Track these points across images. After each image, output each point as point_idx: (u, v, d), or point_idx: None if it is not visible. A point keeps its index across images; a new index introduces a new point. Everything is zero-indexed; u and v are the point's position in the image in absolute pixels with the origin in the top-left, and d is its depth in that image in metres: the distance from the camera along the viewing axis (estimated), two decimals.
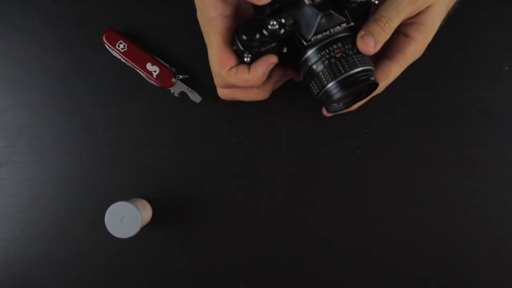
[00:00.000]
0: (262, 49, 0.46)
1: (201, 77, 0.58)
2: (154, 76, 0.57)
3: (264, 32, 0.45)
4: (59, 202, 0.59)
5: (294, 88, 0.55)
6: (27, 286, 0.60)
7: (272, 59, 0.47)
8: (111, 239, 0.54)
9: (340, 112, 0.51)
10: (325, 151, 0.58)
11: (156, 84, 0.57)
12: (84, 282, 0.60)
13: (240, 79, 0.47)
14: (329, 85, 0.45)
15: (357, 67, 0.45)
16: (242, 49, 0.45)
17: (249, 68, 0.46)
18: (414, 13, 0.47)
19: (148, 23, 0.58)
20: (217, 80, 0.49)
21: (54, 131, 0.59)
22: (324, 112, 0.52)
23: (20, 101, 0.60)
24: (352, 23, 0.46)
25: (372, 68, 0.46)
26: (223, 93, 0.52)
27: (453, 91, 0.58)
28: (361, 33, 0.46)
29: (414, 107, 0.58)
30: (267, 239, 0.59)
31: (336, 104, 0.49)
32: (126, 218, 0.53)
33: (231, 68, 0.47)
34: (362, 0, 0.45)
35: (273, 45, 0.46)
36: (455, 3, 0.51)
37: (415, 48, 0.48)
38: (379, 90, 0.50)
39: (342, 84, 0.45)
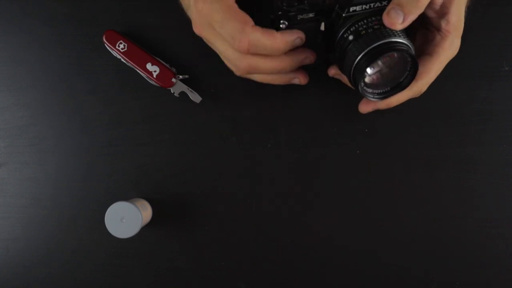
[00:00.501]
0: (299, 17, 0.44)
1: (201, 77, 0.58)
2: (154, 76, 0.57)
3: (305, 0, 0.43)
4: (59, 201, 0.59)
5: (294, 88, 0.55)
6: (27, 285, 0.60)
7: (301, 35, 0.45)
8: (111, 239, 0.54)
9: (377, 105, 0.49)
10: (325, 151, 0.58)
11: (156, 84, 0.57)
12: (84, 281, 0.60)
13: (267, 36, 0.44)
14: (362, 53, 0.43)
15: (394, 37, 0.43)
16: (279, 14, 0.44)
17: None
18: None
19: (148, 23, 0.58)
20: (239, 44, 0.44)
21: (54, 131, 0.59)
22: (362, 108, 0.51)
23: (20, 101, 0.60)
24: None
25: (411, 45, 0.44)
26: (243, 63, 0.46)
27: (453, 91, 0.58)
28: (389, 6, 0.43)
29: (414, 107, 0.57)
30: (267, 238, 0.59)
31: (371, 90, 0.46)
32: (126, 218, 0.53)
33: (254, 25, 0.44)
34: None
35: (311, 15, 0.44)
36: None
37: (451, 41, 0.48)
38: (422, 88, 0.50)
39: (375, 52, 0.43)
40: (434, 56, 0.49)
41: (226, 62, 0.49)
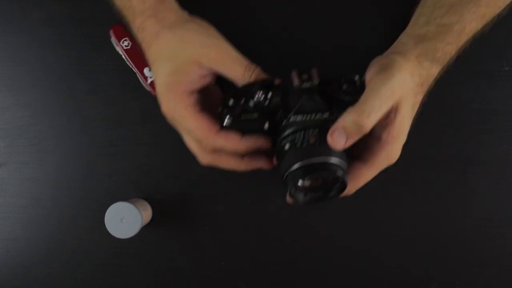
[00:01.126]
0: (243, 117, 0.46)
1: None
2: (148, 82, 0.57)
3: (250, 101, 0.46)
4: (59, 202, 0.59)
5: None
6: (27, 285, 0.60)
7: (265, 143, 0.48)
8: (111, 239, 0.54)
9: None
10: None
11: (149, 90, 0.57)
12: (84, 281, 0.60)
13: (231, 142, 0.47)
14: (295, 166, 0.45)
15: (327, 157, 0.44)
16: (224, 111, 0.46)
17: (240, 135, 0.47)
18: (390, 108, 0.45)
19: None
20: (204, 146, 0.48)
21: (54, 131, 0.59)
22: (288, 198, 0.49)
23: (20, 101, 0.60)
24: (334, 115, 0.45)
25: (343, 166, 0.45)
26: (206, 160, 0.49)
27: (453, 91, 0.57)
28: (333, 127, 0.44)
29: None
30: (267, 238, 0.59)
31: (303, 194, 0.47)
32: (126, 218, 0.53)
33: (219, 131, 0.47)
34: (351, 99, 0.45)
35: (255, 116, 0.47)
36: (421, 100, 0.50)
37: (389, 151, 0.48)
38: (349, 191, 0.49)
39: (308, 170, 0.44)
40: (368, 164, 0.48)
41: (192, 148, 0.50)
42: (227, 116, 0.46)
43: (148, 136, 0.58)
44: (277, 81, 0.47)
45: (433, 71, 0.49)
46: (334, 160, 0.44)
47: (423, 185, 0.58)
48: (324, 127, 0.45)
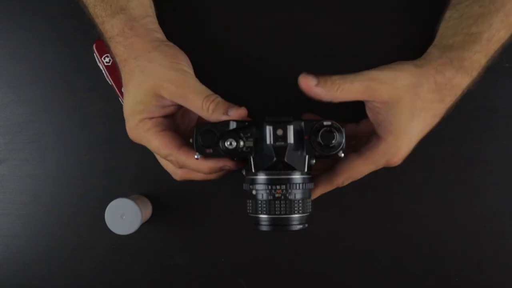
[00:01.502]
0: (214, 158, 0.48)
1: None
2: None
3: (220, 145, 0.46)
4: (59, 198, 0.59)
5: (293, 86, 0.54)
6: (27, 282, 0.60)
7: (229, 163, 0.49)
8: (111, 235, 0.54)
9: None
10: None
11: None
12: (84, 278, 0.60)
13: (192, 163, 0.48)
14: (259, 216, 0.47)
15: (290, 214, 0.46)
16: (194, 147, 0.47)
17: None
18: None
19: None
20: (172, 162, 0.49)
21: (54, 128, 0.59)
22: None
23: (20, 98, 0.60)
24: (305, 171, 0.47)
25: (307, 215, 0.48)
26: (178, 175, 0.52)
27: None
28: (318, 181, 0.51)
29: None
30: (267, 235, 0.59)
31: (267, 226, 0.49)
32: (126, 215, 0.53)
33: (182, 147, 0.48)
34: (326, 154, 0.46)
35: (225, 159, 0.48)
36: (443, 111, 0.50)
37: (385, 149, 0.48)
38: (341, 183, 0.51)
39: (270, 222, 0.47)
40: (362, 157, 0.49)
41: (165, 167, 0.53)
42: (196, 153, 0.47)
43: None
44: (248, 119, 0.47)
45: (458, 80, 0.48)
46: (295, 216, 0.47)
47: (423, 183, 0.58)
48: (291, 182, 0.46)
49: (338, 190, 0.58)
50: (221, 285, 0.59)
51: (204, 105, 0.47)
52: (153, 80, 0.48)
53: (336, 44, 0.58)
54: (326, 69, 0.54)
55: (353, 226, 0.58)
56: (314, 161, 0.47)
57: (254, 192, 0.48)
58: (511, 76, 0.57)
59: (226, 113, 0.46)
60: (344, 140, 0.46)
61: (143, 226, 0.56)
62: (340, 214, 0.58)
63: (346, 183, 0.51)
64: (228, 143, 0.46)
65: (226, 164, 0.48)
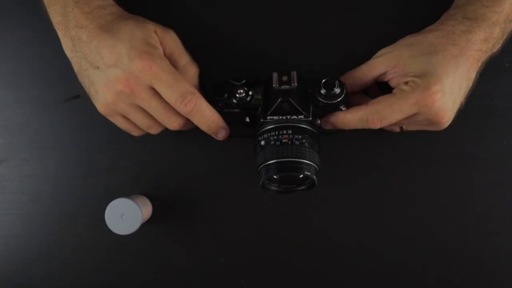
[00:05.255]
0: (225, 110, 0.51)
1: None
2: None
3: (233, 97, 0.50)
4: (59, 198, 0.59)
5: None
6: (27, 282, 0.60)
7: (228, 131, 0.52)
8: (111, 235, 0.54)
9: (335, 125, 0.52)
10: (325, 147, 0.58)
11: None
12: (85, 278, 0.60)
13: (210, 108, 0.49)
14: (266, 163, 0.48)
15: (296, 157, 0.47)
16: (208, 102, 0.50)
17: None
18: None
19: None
20: (187, 103, 0.48)
21: (54, 127, 0.59)
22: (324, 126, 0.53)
23: (20, 98, 0.60)
24: (310, 118, 0.49)
25: (314, 165, 0.48)
26: (177, 122, 0.51)
27: None
28: (325, 118, 0.52)
29: None
30: (267, 234, 0.59)
31: (276, 185, 0.50)
32: (126, 215, 0.53)
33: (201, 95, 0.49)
34: (328, 102, 0.49)
35: (236, 110, 0.51)
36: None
37: (413, 87, 0.48)
38: (372, 117, 0.49)
39: (278, 168, 0.48)
40: (391, 95, 0.49)
41: (159, 118, 0.51)
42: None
43: (148, 133, 0.58)
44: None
45: (464, 28, 0.49)
46: (303, 160, 0.48)
47: (423, 181, 0.58)
48: (297, 128, 0.49)
49: (339, 188, 0.58)
50: (221, 285, 0.59)
51: (187, 65, 0.52)
52: (154, 25, 0.50)
53: (335, 44, 0.58)
54: (325, 68, 0.55)
55: (353, 225, 0.58)
56: (319, 121, 0.51)
57: (262, 142, 0.49)
58: (511, 75, 0.57)
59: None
60: (345, 93, 0.49)
61: (143, 226, 0.56)
62: (340, 213, 0.58)
63: (377, 122, 0.49)
64: (240, 91, 0.49)
65: (228, 130, 0.52)
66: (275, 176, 0.48)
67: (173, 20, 0.54)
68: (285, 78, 0.50)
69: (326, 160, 0.58)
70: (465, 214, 0.58)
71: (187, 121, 0.50)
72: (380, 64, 0.51)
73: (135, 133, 0.54)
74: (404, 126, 0.53)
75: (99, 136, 0.59)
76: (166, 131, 0.58)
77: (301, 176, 0.48)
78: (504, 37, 0.51)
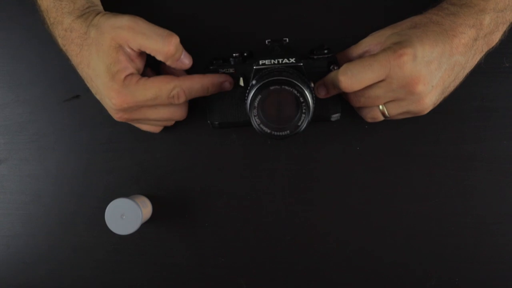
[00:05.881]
0: (220, 70, 0.52)
1: None
2: None
3: (230, 59, 0.52)
4: (59, 198, 0.59)
5: None
6: (27, 282, 0.60)
7: (229, 79, 0.53)
8: (111, 235, 0.54)
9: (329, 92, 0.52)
10: (325, 147, 0.58)
11: None
12: (85, 278, 0.60)
13: (196, 79, 0.50)
14: (255, 89, 0.47)
15: (288, 77, 0.47)
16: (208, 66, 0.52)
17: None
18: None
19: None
20: (177, 96, 0.50)
21: (54, 127, 0.59)
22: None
23: (20, 97, 0.60)
24: (300, 63, 0.50)
25: (306, 90, 0.47)
26: (180, 112, 0.54)
27: None
28: (318, 83, 0.52)
29: None
30: (267, 235, 0.59)
31: (271, 125, 0.48)
32: (126, 215, 0.53)
33: (179, 76, 0.51)
34: (318, 57, 0.51)
35: (231, 70, 0.52)
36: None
37: (387, 53, 0.47)
38: (350, 81, 0.48)
39: (267, 83, 0.46)
40: (369, 56, 0.48)
41: (164, 122, 0.55)
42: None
43: (148, 133, 0.58)
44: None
45: (452, 10, 0.49)
46: (296, 82, 0.46)
47: (422, 181, 0.58)
48: (290, 67, 0.50)
49: (339, 188, 0.58)
50: (221, 285, 0.59)
51: (166, 43, 0.48)
52: (108, 34, 0.48)
53: (334, 44, 0.58)
54: None
55: (353, 225, 0.58)
56: (312, 84, 0.50)
57: (254, 81, 0.49)
58: (511, 76, 0.57)
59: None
60: (333, 54, 0.52)
61: (143, 226, 0.56)
62: (339, 213, 0.58)
63: (348, 79, 0.48)
64: (236, 54, 0.52)
65: (227, 79, 0.52)
66: (266, 101, 0.47)
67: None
68: (278, 39, 0.52)
69: (326, 161, 0.58)
70: (465, 214, 0.58)
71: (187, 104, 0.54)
72: (365, 42, 0.53)
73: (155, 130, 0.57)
74: (385, 110, 0.51)
75: (99, 136, 0.59)
76: (166, 130, 0.58)
77: (296, 94, 0.46)
78: (500, 28, 0.50)
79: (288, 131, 0.47)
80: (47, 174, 0.59)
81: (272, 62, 0.50)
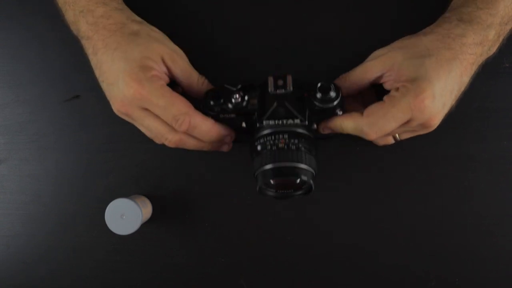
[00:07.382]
0: (221, 115, 0.50)
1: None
2: None
3: (228, 102, 0.49)
4: (59, 198, 0.59)
5: None
6: (27, 282, 0.60)
7: (232, 135, 0.53)
8: (111, 235, 0.54)
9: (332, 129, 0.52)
10: (325, 147, 0.58)
11: None
12: (84, 278, 0.60)
13: (206, 123, 0.49)
14: (263, 168, 0.47)
15: (293, 162, 0.47)
16: (203, 109, 0.50)
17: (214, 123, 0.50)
18: None
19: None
20: (178, 125, 0.49)
21: (54, 127, 0.59)
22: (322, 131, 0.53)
23: (20, 97, 0.60)
24: (306, 122, 0.49)
25: (311, 170, 0.48)
26: (176, 138, 0.51)
27: None
28: (323, 124, 0.52)
29: None
30: (267, 235, 0.59)
31: (273, 190, 0.50)
32: (126, 215, 0.53)
33: (195, 109, 0.49)
34: (324, 106, 0.49)
35: (232, 116, 0.50)
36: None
37: (404, 92, 0.47)
38: (368, 128, 0.49)
39: (274, 172, 0.47)
40: (384, 102, 0.48)
41: (153, 135, 0.52)
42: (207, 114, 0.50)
43: None
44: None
45: (459, 31, 0.49)
46: (300, 165, 0.47)
47: (423, 182, 0.58)
48: (294, 133, 0.48)
49: (339, 189, 0.58)
50: (221, 285, 0.59)
51: (200, 79, 0.52)
52: (158, 43, 0.50)
53: (334, 44, 0.58)
54: (324, 67, 0.55)
55: (353, 226, 0.58)
56: (315, 125, 0.50)
57: (259, 147, 0.49)
58: (511, 76, 0.57)
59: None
60: (341, 97, 0.49)
61: (143, 226, 0.56)
62: (340, 214, 0.58)
63: (373, 134, 0.49)
64: (236, 96, 0.49)
65: (231, 133, 0.52)
66: (272, 181, 0.48)
67: (168, 24, 0.54)
68: (280, 82, 0.50)
69: (326, 161, 0.58)
70: (465, 215, 0.58)
71: (185, 139, 0.51)
72: (374, 67, 0.50)
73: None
74: (397, 136, 0.53)
75: (99, 136, 0.59)
76: None
77: (298, 181, 0.47)
78: (500, 39, 0.51)
79: (292, 190, 0.50)
80: (47, 174, 0.59)
81: (276, 123, 0.49)
